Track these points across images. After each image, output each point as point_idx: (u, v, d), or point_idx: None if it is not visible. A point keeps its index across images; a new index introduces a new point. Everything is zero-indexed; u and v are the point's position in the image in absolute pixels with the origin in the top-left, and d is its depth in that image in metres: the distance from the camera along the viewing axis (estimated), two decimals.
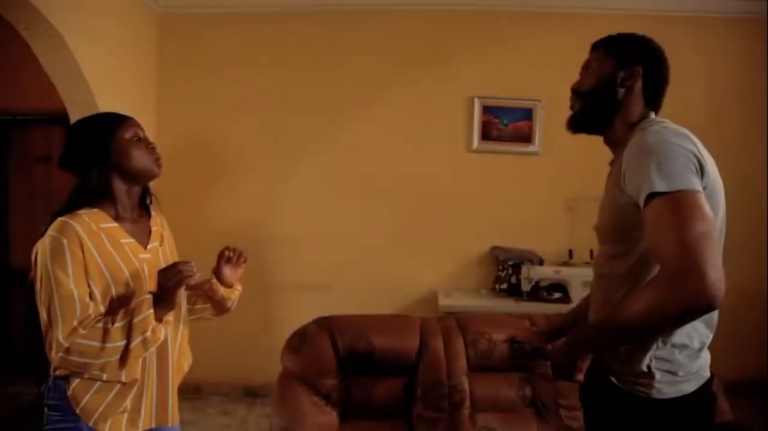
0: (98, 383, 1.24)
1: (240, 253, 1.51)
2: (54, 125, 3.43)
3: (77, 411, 1.23)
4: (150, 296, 1.22)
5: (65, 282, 1.17)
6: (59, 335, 1.15)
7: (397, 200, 3.36)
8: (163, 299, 1.23)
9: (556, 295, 2.99)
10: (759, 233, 3.30)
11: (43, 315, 1.19)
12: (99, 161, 1.28)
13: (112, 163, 1.29)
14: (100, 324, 1.18)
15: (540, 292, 2.99)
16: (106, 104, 2.68)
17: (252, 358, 3.34)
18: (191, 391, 3.31)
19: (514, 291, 3.05)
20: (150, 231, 1.40)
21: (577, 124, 1.26)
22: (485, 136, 3.33)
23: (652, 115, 1.20)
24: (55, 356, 1.16)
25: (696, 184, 0.98)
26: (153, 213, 1.44)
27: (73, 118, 2.71)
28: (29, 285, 1.26)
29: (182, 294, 1.42)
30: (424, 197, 3.36)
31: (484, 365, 2.08)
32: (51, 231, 1.21)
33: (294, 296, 3.36)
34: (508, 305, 2.94)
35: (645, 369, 1.08)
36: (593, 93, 1.21)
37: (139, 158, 1.31)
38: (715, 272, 0.92)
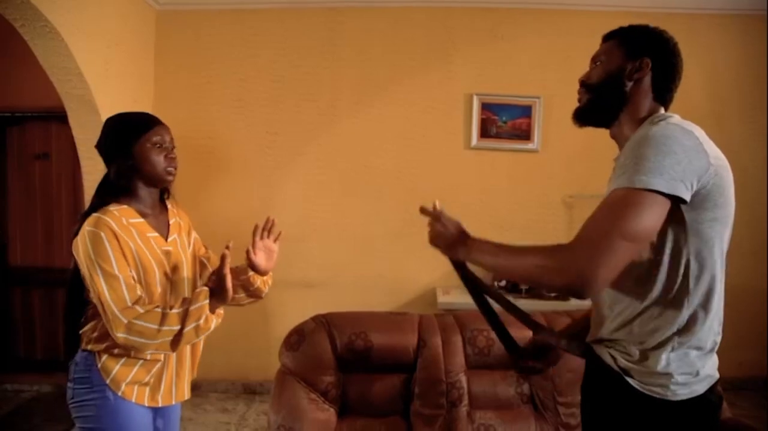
0: (125, 358, 1.38)
1: (269, 221, 1.57)
2: (52, 122, 3.43)
3: (107, 381, 1.37)
4: (207, 289, 1.35)
5: (109, 269, 1.30)
6: (117, 314, 1.28)
7: (396, 197, 3.35)
8: (217, 292, 1.34)
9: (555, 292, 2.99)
10: (759, 232, 3.30)
11: (98, 305, 1.31)
12: (119, 159, 1.39)
13: (131, 164, 1.39)
14: (159, 309, 1.31)
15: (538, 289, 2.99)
16: (103, 101, 2.68)
17: (250, 355, 3.34)
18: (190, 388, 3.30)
19: (512, 289, 3.05)
20: (169, 224, 1.50)
21: (583, 117, 1.23)
22: (484, 133, 3.32)
23: (662, 110, 1.16)
24: (118, 335, 1.28)
25: (667, 186, 0.96)
26: (169, 206, 1.54)
27: (71, 115, 2.70)
28: (69, 278, 1.40)
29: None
30: (423, 194, 3.34)
31: (483, 362, 2.08)
32: (87, 227, 1.32)
33: (292, 294, 3.36)
34: None
35: (662, 370, 1.06)
36: (601, 85, 1.18)
37: (154, 165, 1.41)
38: (607, 269, 0.94)
